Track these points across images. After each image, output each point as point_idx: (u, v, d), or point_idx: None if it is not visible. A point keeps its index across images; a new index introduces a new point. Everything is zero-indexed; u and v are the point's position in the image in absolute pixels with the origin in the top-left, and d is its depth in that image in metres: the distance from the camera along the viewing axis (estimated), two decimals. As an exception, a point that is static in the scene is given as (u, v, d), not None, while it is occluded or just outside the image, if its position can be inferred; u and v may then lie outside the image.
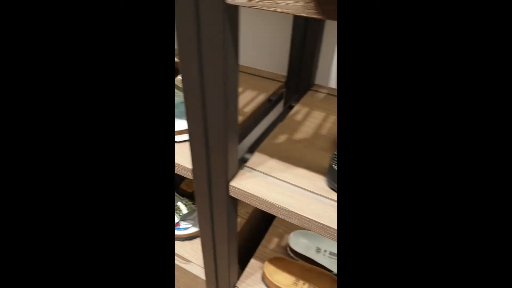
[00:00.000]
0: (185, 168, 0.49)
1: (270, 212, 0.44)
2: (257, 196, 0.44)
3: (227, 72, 0.35)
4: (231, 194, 0.47)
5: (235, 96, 0.40)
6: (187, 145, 0.53)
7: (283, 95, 0.74)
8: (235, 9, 0.32)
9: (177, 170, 0.51)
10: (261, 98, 0.69)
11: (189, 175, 0.50)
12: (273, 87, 0.73)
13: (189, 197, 0.85)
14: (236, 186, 0.46)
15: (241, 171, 0.48)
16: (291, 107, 0.67)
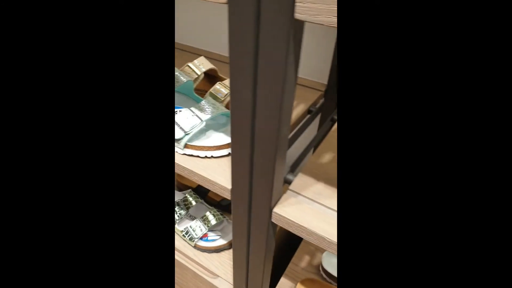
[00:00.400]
0: (223, 188, 0.46)
1: (319, 245, 0.40)
2: (304, 227, 0.40)
3: (285, 91, 0.31)
4: (274, 220, 0.43)
5: (289, 116, 0.35)
6: (225, 161, 0.50)
7: (323, 106, 0.69)
8: (301, 24, 0.28)
9: (214, 189, 0.47)
10: (300, 108, 0.64)
11: (227, 195, 0.46)
12: (312, 96, 0.68)
13: (217, 206, 0.82)
14: (280, 213, 0.42)
15: (285, 195, 0.44)
16: (334, 121, 0.62)
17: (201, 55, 0.62)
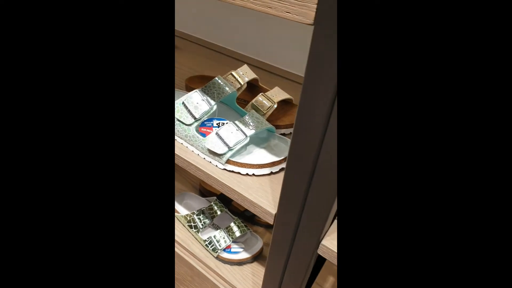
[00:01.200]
0: (266, 212, 0.43)
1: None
2: (356, 265, 0.37)
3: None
4: (320, 253, 0.40)
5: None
6: (266, 181, 0.47)
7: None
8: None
9: (255, 211, 0.45)
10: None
11: (269, 220, 0.43)
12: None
13: (241, 215, 0.79)
14: (329, 247, 0.38)
15: (334, 226, 0.41)
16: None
17: (243, 62, 0.60)
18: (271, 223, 0.43)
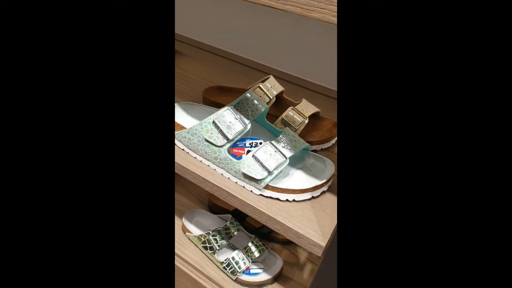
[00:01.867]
0: (314, 244, 0.39)
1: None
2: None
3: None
4: None
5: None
6: (308, 207, 0.43)
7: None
8: None
9: (299, 242, 0.40)
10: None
11: (317, 252, 0.39)
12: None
13: (256, 232, 0.75)
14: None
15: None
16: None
17: (256, 70, 0.55)
18: (319, 255, 0.39)
